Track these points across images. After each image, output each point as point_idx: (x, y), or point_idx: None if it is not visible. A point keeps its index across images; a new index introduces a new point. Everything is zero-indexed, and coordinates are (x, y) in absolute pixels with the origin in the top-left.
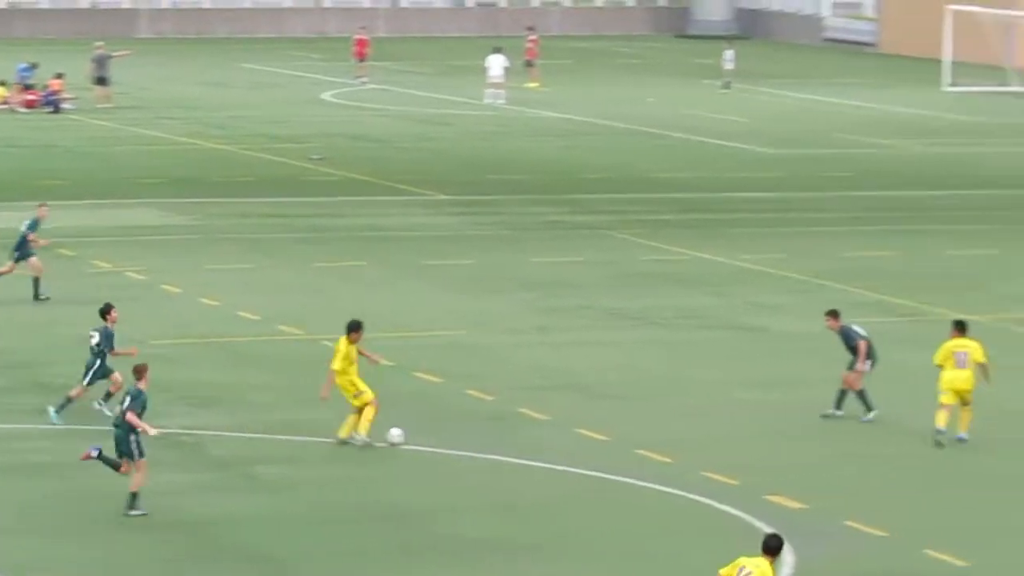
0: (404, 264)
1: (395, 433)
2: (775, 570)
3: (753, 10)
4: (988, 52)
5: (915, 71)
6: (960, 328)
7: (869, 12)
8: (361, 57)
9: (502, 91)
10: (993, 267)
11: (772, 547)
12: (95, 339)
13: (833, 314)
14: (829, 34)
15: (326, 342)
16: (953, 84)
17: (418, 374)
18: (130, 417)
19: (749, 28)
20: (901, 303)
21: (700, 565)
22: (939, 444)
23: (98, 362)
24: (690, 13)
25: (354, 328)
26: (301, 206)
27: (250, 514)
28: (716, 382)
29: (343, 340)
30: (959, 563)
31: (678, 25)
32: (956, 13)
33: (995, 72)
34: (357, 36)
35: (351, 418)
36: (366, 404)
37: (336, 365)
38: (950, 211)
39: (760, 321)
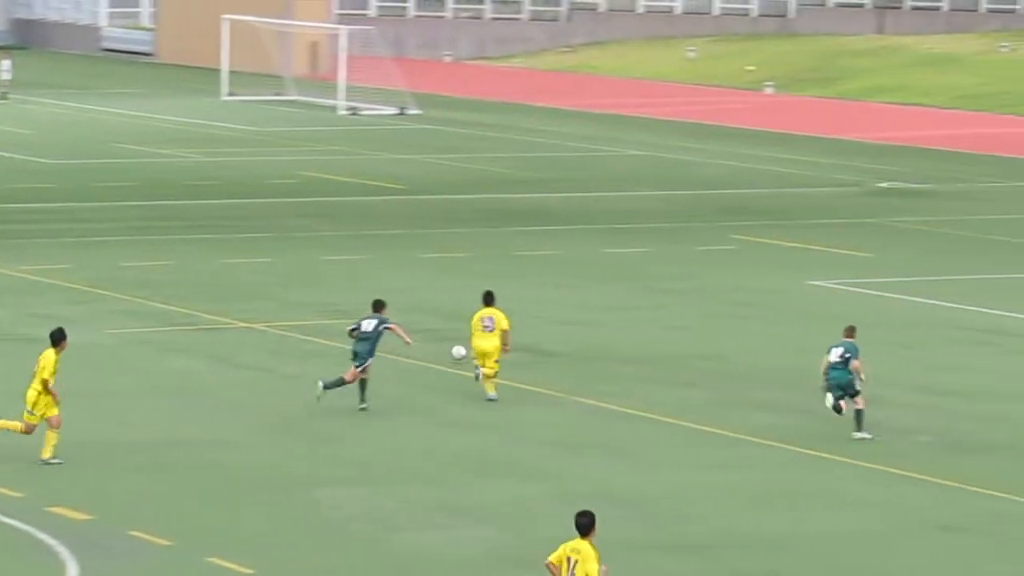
0: None
1: (460, 351)
2: (595, 546)
3: (29, 20)
4: (266, 62)
5: (194, 81)
6: (487, 299)
7: (146, 22)
8: None
9: None
10: (269, 274)
11: (583, 525)
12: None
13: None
14: (107, 44)
15: None
16: (232, 94)
17: None
18: None
19: (26, 38)
20: (181, 312)
21: None
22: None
23: None
24: None
25: (62, 337)
26: None
27: None
28: None
29: (51, 351)
30: (245, 570)
31: None
32: (233, 23)
33: (274, 81)
34: None
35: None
36: (34, 422)
37: (48, 374)
38: (226, 220)
39: (41, 332)
